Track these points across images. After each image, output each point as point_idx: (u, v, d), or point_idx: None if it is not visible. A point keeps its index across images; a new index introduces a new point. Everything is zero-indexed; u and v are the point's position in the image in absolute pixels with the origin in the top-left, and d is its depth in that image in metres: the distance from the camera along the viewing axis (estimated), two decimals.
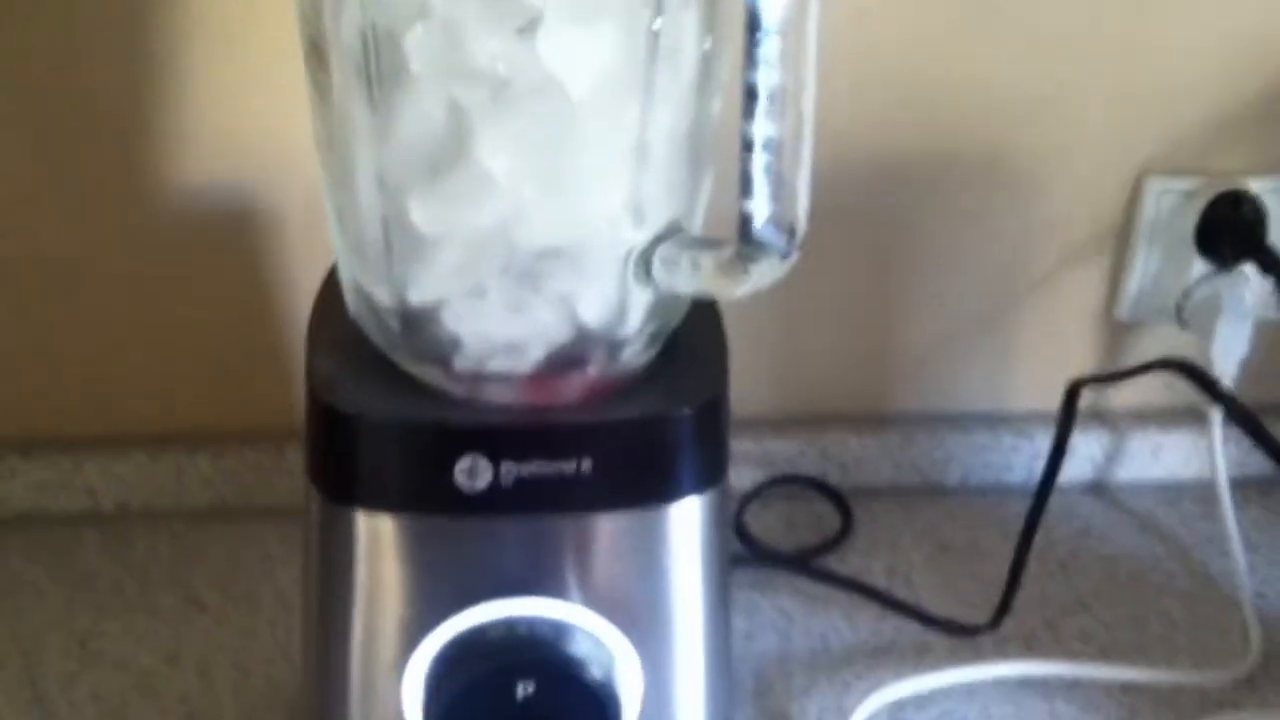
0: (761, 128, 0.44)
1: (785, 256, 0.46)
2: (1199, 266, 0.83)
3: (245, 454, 0.85)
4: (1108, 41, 0.79)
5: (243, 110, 0.77)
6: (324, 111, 0.50)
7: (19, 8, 0.73)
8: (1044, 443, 0.85)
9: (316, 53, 0.48)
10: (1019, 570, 0.75)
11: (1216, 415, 0.81)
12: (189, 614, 0.78)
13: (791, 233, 0.46)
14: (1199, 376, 0.69)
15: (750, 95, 0.43)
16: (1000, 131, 0.81)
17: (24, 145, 0.77)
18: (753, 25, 0.42)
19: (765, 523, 0.86)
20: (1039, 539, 0.76)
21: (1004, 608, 0.76)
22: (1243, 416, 0.67)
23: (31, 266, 0.80)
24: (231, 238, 0.80)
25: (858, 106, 0.78)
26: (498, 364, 0.52)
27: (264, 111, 0.77)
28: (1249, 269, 0.82)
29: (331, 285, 0.58)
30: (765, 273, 0.46)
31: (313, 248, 0.79)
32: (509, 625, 0.53)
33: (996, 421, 0.89)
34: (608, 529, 0.54)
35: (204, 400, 0.85)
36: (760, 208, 0.45)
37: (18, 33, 0.74)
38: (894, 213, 0.83)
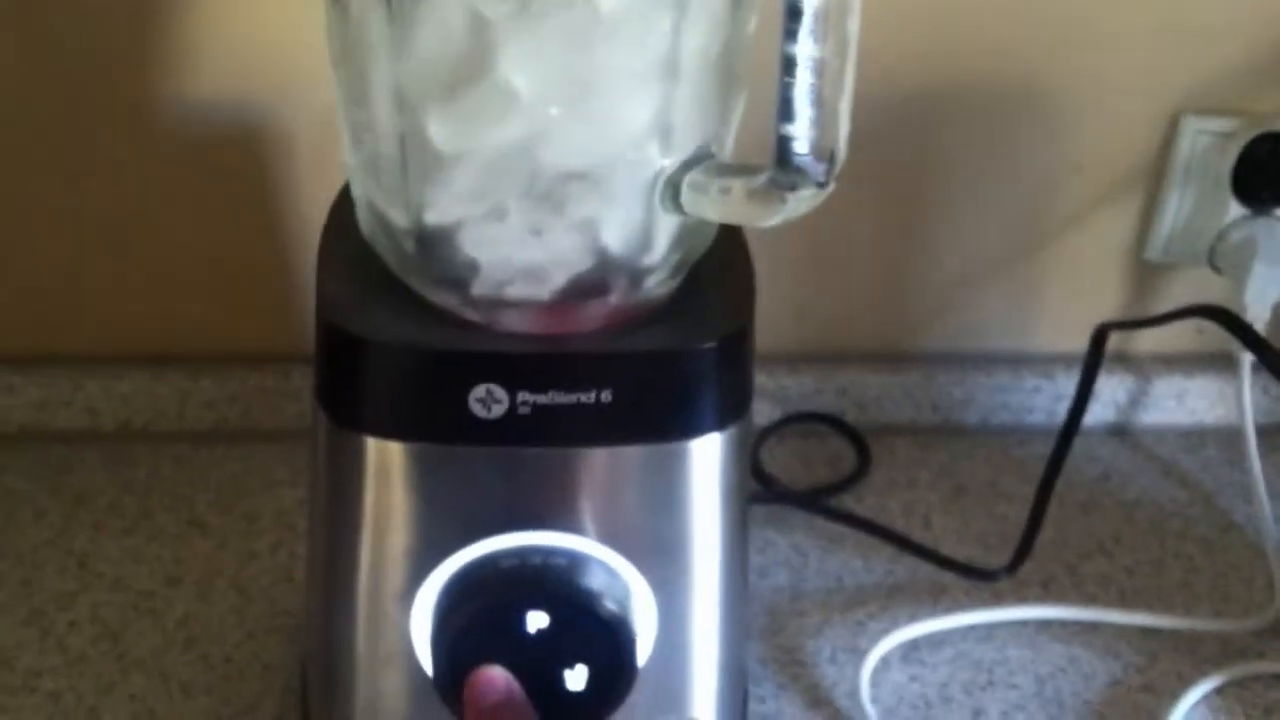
0: (805, 49, 0.41)
1: (823, 185, 0.44)
2: (1234, 209, 0.81)
3: (249, 377, 0.84)
4: None
5: (252, 24, 0.75)
6: (340, 23, 0.47)
7: None
8: (1066, 384, 0.84)
9: None
10: (1040, 514, 0.74)
11: (1246, 360, 0.80)
12: (190, 536, 0.77)
13: (831, 160, 0.44)
14: (1233, 322, 0.67)
15: (793, 14, 0.41)
16: (1033, 64, 0.79)
17: (25, 58, 0.75)
18: None
19: (781, 459, 0.85)
20: (1059, 482, 0.74)
21: (1024, 551, 0.75)
22: (1277, 363, 0.65)
23: (33, 181, 0.79)
24: (239, 156, 0.78)
25: (886, 36, 0.75)
26: (516, 290, 0.50)
27: (274, 25, 0.74)
28: None
29: (343, 206, 0.56)
30: (802, 201, 0.44)
31: (323, 167, 0.77)
32: (521, 555, 0.52)
33: (1019, 361, 0.88)
34: (626, 463, 0.52)
35: (208, 321, 0.84)
36: (801, 132, 0.43)
37: None
38: (921, 146, 0.81)
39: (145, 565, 0.74)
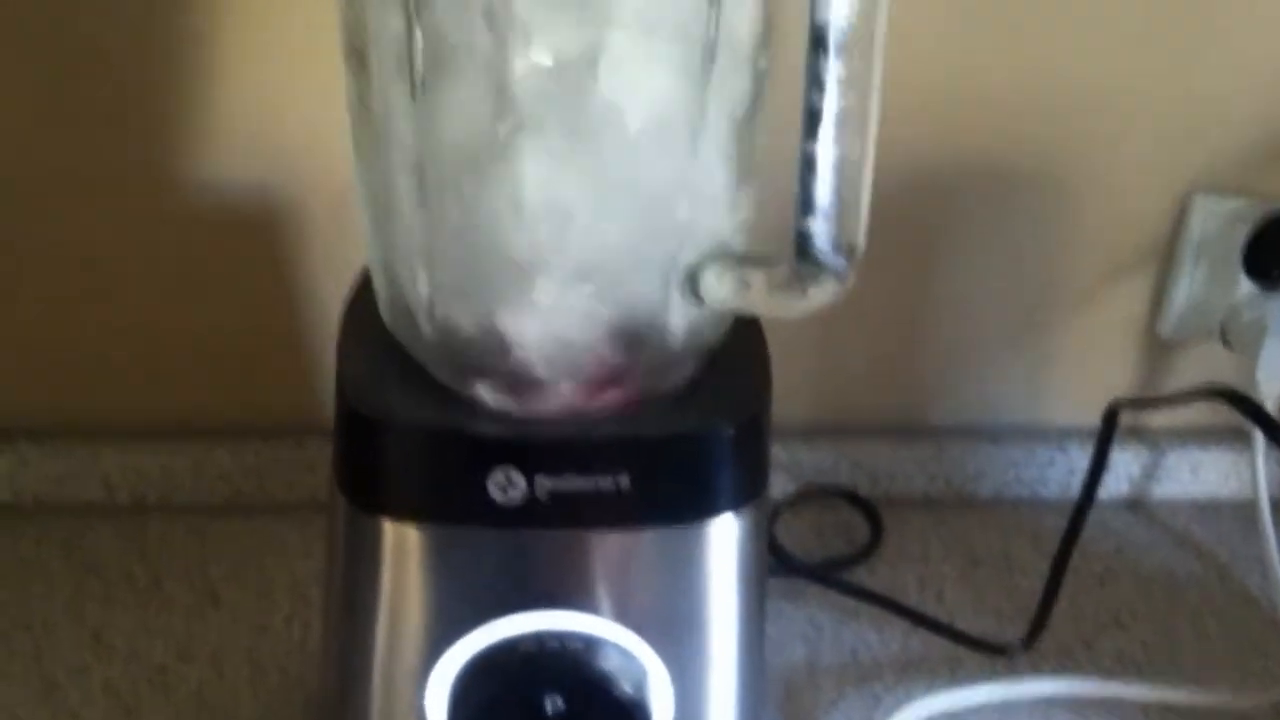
0: (825, 148, 0.42)
1: (843, 278, 0.45)
2: (1245, 286, 0.81)
3: (264, 448, 0.84)
4: (1159, 56, 0.77)
5: (274, 107, 0.76)
6: (363, 116, 0.48)
7: None
8: (1080, 458, 0.84)
9: (357, 56, 0.47)
10: (1055, 587, 0.74)
11: (1259, 435, 0.80)
12: (204, 608, 0.77)
13: (851, 254, 0.44)
14: (1245, 405, 0.67)
15: (812, 115, 0.42)
16: (1046, 142, 0.79)
17: (52, 135, 0.76)
18: (817, 45, 0.41)
19: (796, 532, 0.85)
20: (1073, 554, 0.74)
21: (1039, 625, 0.74)
22: None
23: (55, 256, 0.79)
24: (257, 234, 0.79)
25: (900, 113, 0.75)
26: (536, 374, 0.50)
27: (295, 109, 0.75)
28: None
29: (364, 287, 0.56)
30: (823, 293, 0.45)
31: (343, 246, 0.77)
32: (539, 638, 0.52)
33: (1032, 435, 0.88)
34: (643, 545, 0.52)
35: (224, 394, 0.84)
36: (821, 228, 0.44)
37: (49, 20, 0.72)
38: (934, 220, 0.81)
39: (159, 638, 0.74)
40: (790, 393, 0.85)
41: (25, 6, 0.72)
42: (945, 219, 0.82)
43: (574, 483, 0.50)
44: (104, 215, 0.78)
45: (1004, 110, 0.78)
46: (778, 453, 0.86)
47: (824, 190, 0.43)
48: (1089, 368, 0.87)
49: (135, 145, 0.76)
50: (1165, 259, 0.83)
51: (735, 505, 0.53)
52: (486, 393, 0.51)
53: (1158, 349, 0.86)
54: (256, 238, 0.79)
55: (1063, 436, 0.87)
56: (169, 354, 0.83)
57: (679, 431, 0.51)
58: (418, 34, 0.43)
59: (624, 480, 0.50)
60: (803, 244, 0.44)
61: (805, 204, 0.44)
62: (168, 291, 0.81)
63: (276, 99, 0.75)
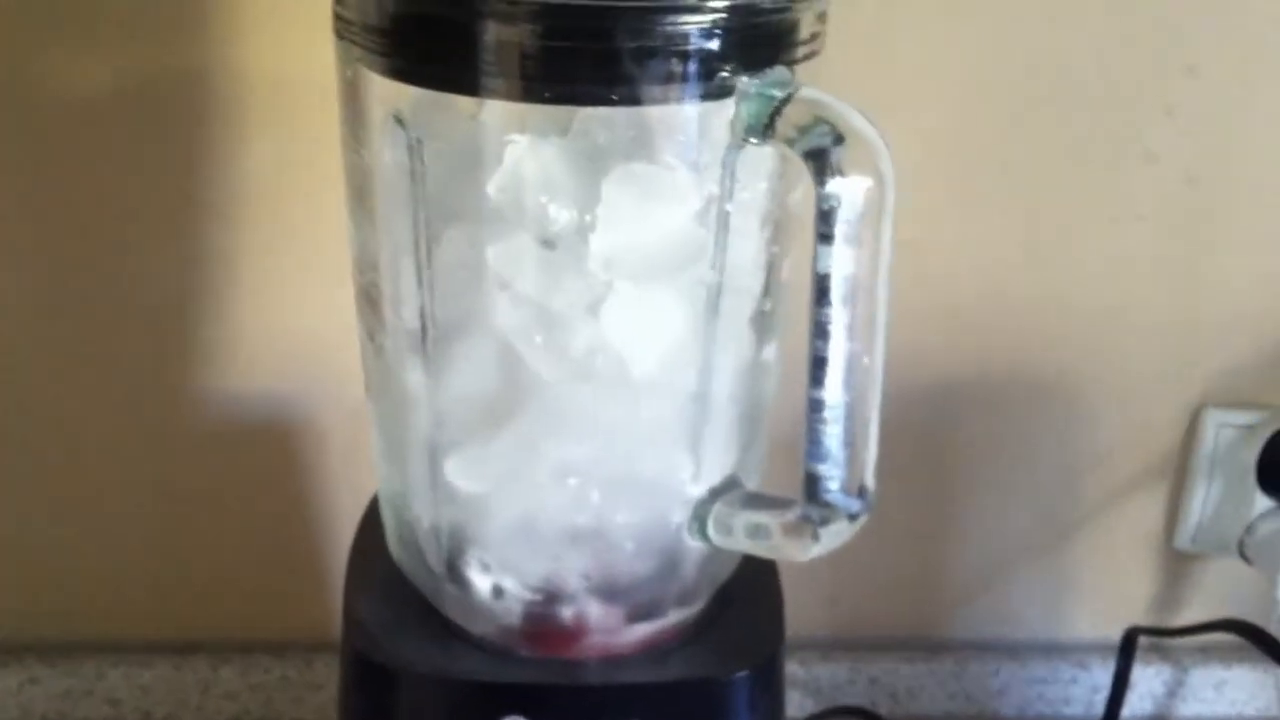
0: (833, 394, 0.42)
1: (855, 518, 0.44)
2: (1261, 501, 0.80)
3: (273, 666, 0.83)
4: (1167, 270, 0.78)
5: (288, 316, 0.76)
6: (375, 359, 0.49)
7: (70, 194, 0.73)
8: (1103, 675, 0.83)
9: (367, 297, 0.47)
10: None
11: None
12: None
13: (861, 494, 0.44)
14: (1263, 639, 0.66)
15: (818, 363, 0.42)
16: (1057, 357, 0.80)
17: (64, 340, 0.76)
18: (820, 294, 0.41)
19: None
20: None
21: None
22: None
23: (65, 467, 0.79)
24: (272, 450, 0.79)
25: (912, 332, 0.76)
26: (544, 615, 0.49)
27: (310, 319, 0.76)
28: None
29: (371, 521, 0.56)
30: (835, 535, 0.45)
31: (355, 460, 0.77)
32: None
33: (1053, 651, 0.86)
34: None
35: (232, 610, 0.83)
36: (831, 471, 0.43)
37: (66, 222, 0.74)
38: (948, 437, 0.81)
39: None
40: (808, 607, 0.85)
41: (47, 216, 0.73)
42: (960, 435, 0.81)
43: None
44: (117, 427, 0.78)
45: (1019, 325, 0.79)
46: (795, 670, 0.84)
47: (833, 435, 0.43)
48: (1109, 582, 0.85)
49: (148, 354, 0.77)
50: (1180, 472, 0.83)
51: None
52: (495, 634, 0.50)
53: (1177, 562, 0.85)
54: (271, 452, 0.79)
55: (1085, 652, 0.86)
56: (178, 569, 0.82)
57: (690, 676, 0.50)
58: (426, 292, 0.44)
59: None
60: (813, 487, 0.44)
61: (814, 448, 0.43)
62: (179, 504, 0.80)
63: (292, 309, 0.76)
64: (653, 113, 0.44)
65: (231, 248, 0.75)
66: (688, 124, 0.44)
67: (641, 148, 0.44)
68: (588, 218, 0.43)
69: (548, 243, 0.44)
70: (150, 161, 0.72)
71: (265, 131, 0.72)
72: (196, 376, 0.77)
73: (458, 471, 0.47)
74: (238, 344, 0.77)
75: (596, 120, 0.43)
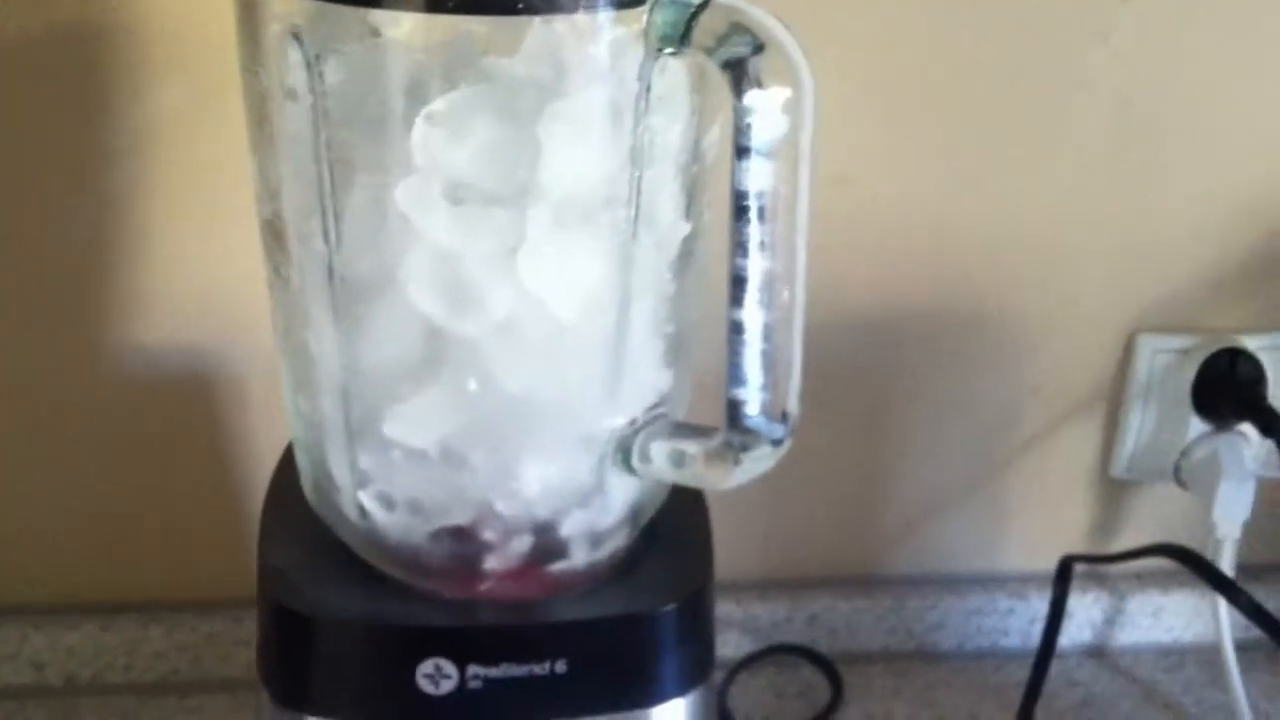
0: (752, 314, 0.41)
1: (778, 443, 0.43)
2: (1196, 425, 0.80)
3: (200, 624, 0.81)
4: (1100, 198, 0.78)
5: (204, 270, 0.74)
6: (281, 293, 0.47)
7: None
8: (1040, 605, 0.82)
9: (271, 229, 0.45)
10: None
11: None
12: None
13: (784, 418, 0.43)
14: (1199, 564, 0.65)
15: (738, 282, 0.40)
16: (991, 289, 0.79)
17: None
18: (739, 211, 0.40)
19: (754, 693, 0.82)
20: (1040, 708, 0.72)
21: None
22: (1248, 606, 0.63)
23: None
24: (189, 402, 0.77)
25: (845, 265, 0.76)
26: (466, 555, 0.48)
27: (226, 271, 0.74)
28: (1248, 428, 0.79)
29: (286, 467, 0.54)
30: (758, 461, 0.43)
31: (275, 413, 0.74)
32: None
33: (990, 583, 0.86)
34: None
35: (158, 569, 0.82)
36: (752, 395, 0.42)
37: None
38: (883, 371, 0.81)
39: None
40: (743, 547, 0.84)
41: None
42: (891, 369, 0.81)
43: (508, 671, 0.47)
44: (31, 385, 0.76)
45: (953, 257, 0.78)
46: (732, 609, 0.84)
47: (753, 357, 0.42)
48: (1045, 513, 0.85)
49: (63, 311, 0.75)
50: (1115, 401, 0.82)
51: (681, 689, 0.50)
52: (414, 576, 0.48)
53: (1113, 490, 0.85)
54: (189, 404, 0.77)
55: (1022, 583, 0.86)
56: (100, 527, 0.80)
57: (617, 612, 0.49)
58: (331, 223, 0.42)
59: (560, 666, 0.48)
60: (734, 413, 0.43)
61: (734, 372, 0.42)
62: (98, 461, 0.78)
63: (207, 262, 0.74)
64: (564, 40, 0.42)
65: (141, 195, 0.72)
66: (600, 37, 0.42)
67: (558, 83, 0.42)
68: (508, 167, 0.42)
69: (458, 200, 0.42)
70: (53, 110, 0.70)
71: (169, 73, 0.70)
72: (110, 329, 0.75)
73: (398, 431, 0.45)
74: (151, 296, 0.75)
75: (508, 56, 0.41)
